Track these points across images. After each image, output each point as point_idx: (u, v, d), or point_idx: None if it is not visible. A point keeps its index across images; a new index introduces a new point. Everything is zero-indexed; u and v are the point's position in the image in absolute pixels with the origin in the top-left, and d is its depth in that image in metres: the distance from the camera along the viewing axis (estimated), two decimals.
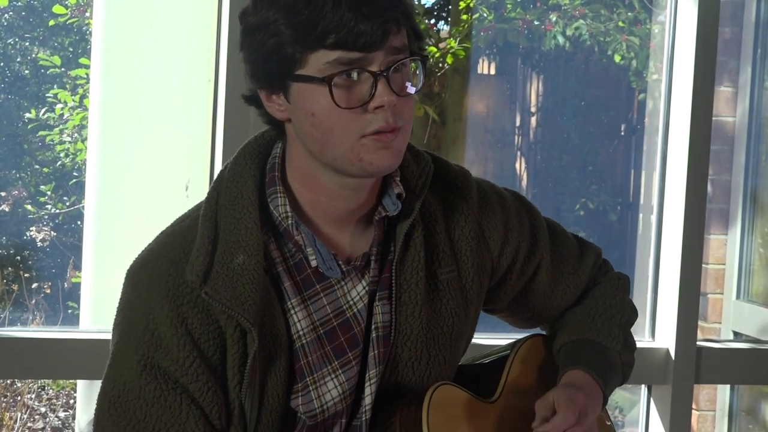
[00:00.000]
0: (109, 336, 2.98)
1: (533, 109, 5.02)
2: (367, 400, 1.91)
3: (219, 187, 1.87)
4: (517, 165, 4.98)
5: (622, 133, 5.08)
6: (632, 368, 2.17)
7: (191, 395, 1.80)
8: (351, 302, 1.89)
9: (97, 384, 3.19)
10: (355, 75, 1.74)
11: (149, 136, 3.19)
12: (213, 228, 1.83)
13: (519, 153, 5.00)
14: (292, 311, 1.85)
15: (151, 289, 1.81)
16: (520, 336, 2.18)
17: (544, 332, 2.22)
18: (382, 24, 1.72)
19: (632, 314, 2.18)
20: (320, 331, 1.88)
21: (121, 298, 1.87)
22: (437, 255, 1.95)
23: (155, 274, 1.82)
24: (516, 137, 5.00)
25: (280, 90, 1.79)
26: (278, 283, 1.86)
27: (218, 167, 3.02)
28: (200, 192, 3.08)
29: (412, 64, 1.80)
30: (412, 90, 1.79)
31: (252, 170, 1.87)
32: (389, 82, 1.74)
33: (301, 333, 1.86)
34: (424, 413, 1.85)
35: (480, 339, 2.16)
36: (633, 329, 2.20)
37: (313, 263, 1.84)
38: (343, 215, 1.87)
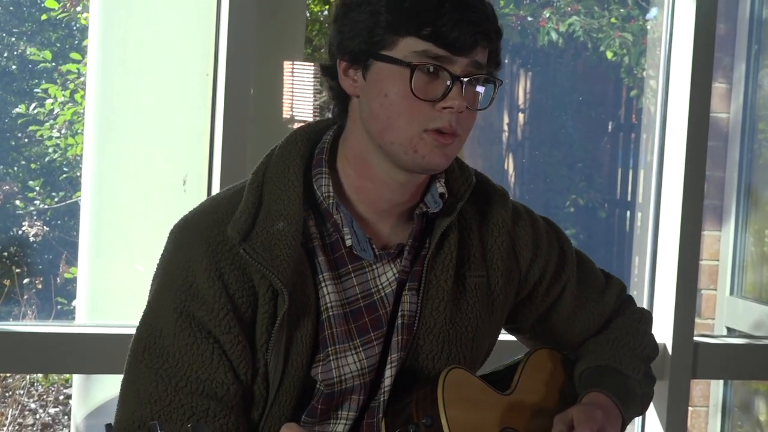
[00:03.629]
0: (106, 330, 3.01)
1: (522, 106, 5.02)
2: (387, 382, 1.97)
3: (267, 162, 1.96)
4: (506, 162, 4.98)
5: (611, 130, 5.09)
6: (651, 400, 2.23)
7: (222, 346, 1.87)
8: (380, 286, 1.97)
9: (94, 378, 3.21)
10: (436, 71, 1.84)
11: (147, 130, 3.18)
12: (258, 196, 1.92)
13: (508, 150, 5.01)
14: (323, 284, 1.93)
15: (192, 244, 1.90)
16: None
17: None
18: (475, 33, 1.84)
19: (654, 350, 2.24)
20: (347, 309, 1.95)
21: (162, 254, 1.95)
22: (468, 259, 2.03)
23: (197, 231, 1.91)
24: (505, 134, 5.00)
25: (360, 66, 1.89)
26: (313, 256, 1.93)
27: (217, 161, 3.02)
28: (198, 186, 3.07)
29: (484, 84, 1.90)
30: (478, 105, 1.90)
31: (301, 150, 1.96)
32: (463, 89, 1.85)
33: (329, 305, 1.93)
34: (440, 389, 1.91)
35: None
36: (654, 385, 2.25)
37: (348, 243, 1.93)
38: (384, 207, 1.96)
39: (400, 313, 1.97)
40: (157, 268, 1.96)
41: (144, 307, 1.95)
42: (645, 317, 2.25)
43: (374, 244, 1.94)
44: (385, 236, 1.97)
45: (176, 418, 1.85)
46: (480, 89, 1.89)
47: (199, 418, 1.86)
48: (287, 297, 1.86)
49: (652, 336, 2.25)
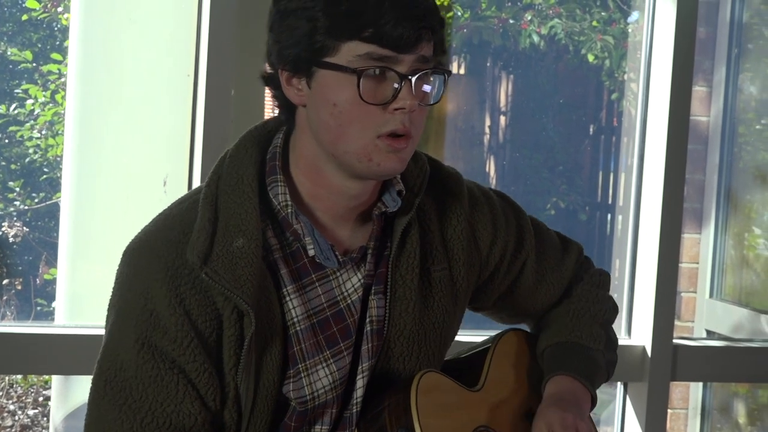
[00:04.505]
0: (85, 331, 3.00)
1: (504, 109, 5.02)
2: (359, 392, 1.93)
3: (219, 172, 1.89)
4: (488, 164, 4.98)
5: (593, 133, 5.10)
6: (615, 365, 2.21)
7: (187, 375, 1.81)
8: (345, 293, 1.92)
9: (73, 379, 3.21)
10: (382, 73, 1.78)
11: (127, 131, 3.18)
12: (213, 211, 1.84)
13: (489, 152, 5.01)
14: (288, 298, 1.88)
15: (149, 270, 1.82)
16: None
17: (522, 327, 2.25)
18: (419, 29, 1.78)
19: (613, 312, 2.22)
20: (314, 320, 1.90)
21: (117, 279, 1.88)
22: (431, 253, 1.99)
23: (154, 254, 1.83)
24: (486, 137, 5.00)
25: (303, 74, 1.82)
26: (275, 269, 1.87)
27: (197, 162, 3.01)
28: (178, 187, 3.07)
29: (433, 77, 1.84)
30: (430, 100, 1.85)
31: (253, 157, 1.89)
32: (413, 87, 1.79)
33: (295, 320, 1.88)
34: (413, 398, 1.88)
35: (462, 336, 2.18)
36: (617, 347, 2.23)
37: (311, 252, 1.87)
38: (341, 212, 1.90)
39: (368, 320, 1.93)
40: (113, 295, 1.88)
41: (104, 334, 1.88)
42: (603, 280, 2.23)
43: (336, 250, 1.89)
44: (345, 240, 1.92)
45: None
46: (427, 88, 1.83)
47: None
48: (254, 318, 1.81)
49: (611, 299, 2.23)
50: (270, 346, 1.85)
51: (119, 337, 1.83)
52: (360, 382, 1.93)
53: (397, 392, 1.91)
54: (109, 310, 1.88)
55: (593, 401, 2.09)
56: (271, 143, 1.92)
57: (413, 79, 1.79)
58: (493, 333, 2.18)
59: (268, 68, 1.89)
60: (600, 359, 2.13)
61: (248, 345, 1.81)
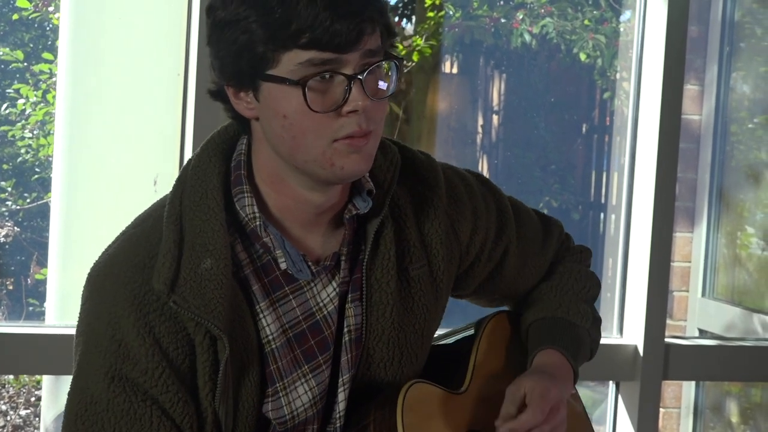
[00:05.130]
0: (74, 331, 2.99)
1: (496, 108, 5.02)
2: (341, 405, 1.88)
3: (183, 185, 1.81)
4: (480, 163, 4.99)
5: (585, 132, 5.10)
6: (599, 344, 2.17)
7: (161, 406, 1.74)
8: (321, 304, 1.85)
9: (64, 379, 3.20)
10: (328, 77, 1.70)
11: (117, 131, 3.17)
12: (178, 231, 1.76)
13: (482, 151, 5.01)
14: (261, 315, 1.81)
15: (115, 297, 1.75)
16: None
17: (506, 309, 2.22)
18: (358, 24, 1.68)
19: (597, 288, 2.18)
20: (289, 334, 1.83)
21: (83, 306, 1.81)
22: (408, 251, 1.91)
23: (119, 280, 1.76)
24: (479, 136, 5.00)
25: (249, 88, 1.74)
26: (246, 286, 1.81)
27: None
28: (168, 187, 3.05)
29: (385, 64, 1.76)
30: (386, 93, 1.76)
31: (217, 168, 1.81)
32: (363, 86, 1.70)
33: (270, 337, 1.81)
34: (399, 417, 1.82)
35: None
36: (601, 326, 2.20)
37: (283, 266, 1.80)
38: (311, 219, 1.83)
39: (346, 329, 1.86)
40: (79, 322, 1.80)
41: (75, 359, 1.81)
42: (584, 256, 2.19)
43: (308, 259, 1.82)
44: (317, 248, 1.84)
45: None
46: (383, 84, 1.75)
47: None
48: (227, 342, 1.73)
49: (594, 275, 2.18)
50: (247, 367, 1.78)
51: (88, 369, 1.76)
52: (342, 395, 1.87)
53: (383, 406, 1.85)
54: (77, 337, 1.80)
55: (575, 379, 2.04)
56: (234, 149, 1.84)
57: (362, 78, 1.70)
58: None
59: (215, 82, 1.81)
60: (585, 337, 2.08)
61: (224, 369, 1.74)
